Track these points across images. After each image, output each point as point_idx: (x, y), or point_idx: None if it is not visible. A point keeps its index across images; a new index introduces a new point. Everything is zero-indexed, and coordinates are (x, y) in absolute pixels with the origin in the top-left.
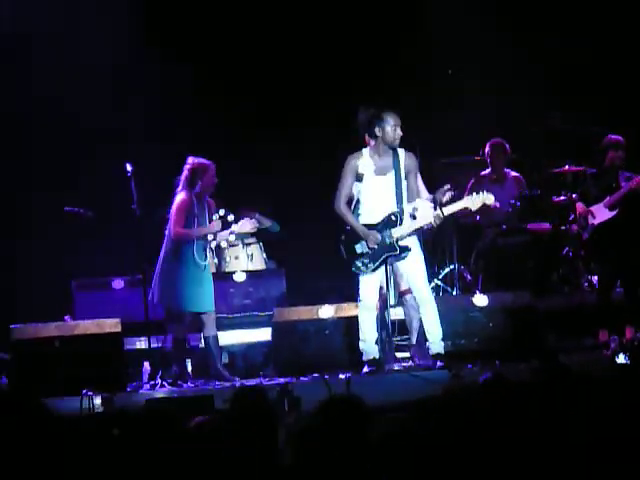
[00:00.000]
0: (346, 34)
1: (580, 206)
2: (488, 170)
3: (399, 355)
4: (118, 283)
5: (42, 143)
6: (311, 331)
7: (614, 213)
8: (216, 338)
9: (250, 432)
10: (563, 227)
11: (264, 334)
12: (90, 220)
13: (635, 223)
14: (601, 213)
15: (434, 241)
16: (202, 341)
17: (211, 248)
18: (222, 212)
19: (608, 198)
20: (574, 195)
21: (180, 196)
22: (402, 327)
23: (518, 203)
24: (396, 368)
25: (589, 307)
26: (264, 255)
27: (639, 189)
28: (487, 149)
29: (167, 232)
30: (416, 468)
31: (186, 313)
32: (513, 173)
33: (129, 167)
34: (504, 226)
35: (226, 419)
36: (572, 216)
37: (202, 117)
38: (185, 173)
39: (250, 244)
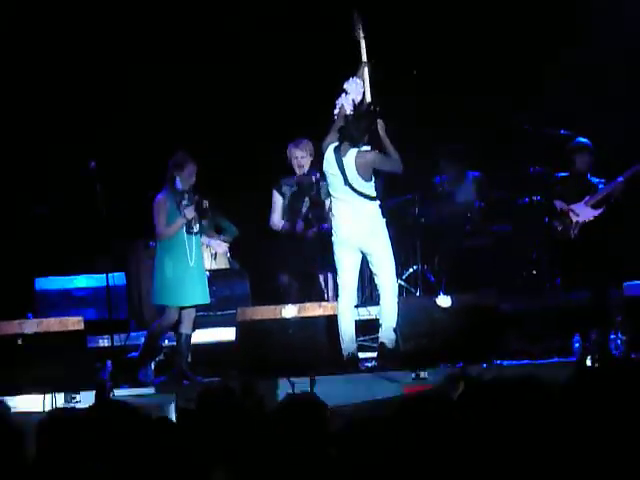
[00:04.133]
0: None
1: (560, 204)
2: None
3: (363, 355)
4: (81, 281)
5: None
6: (275, 331)
7: (600, 211)
8: (189, 337)
9: (216, 431)
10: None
11: (228, 333)
12: (53, 217)
13: (620, 221)
14: (585, 211)
15: (398, 241)
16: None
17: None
18: (196, 198)
19: (588, 197)
20: (536, 197)
21: (158, 196)
22: (366, 327)
23: (482, 204)
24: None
25: (556, 309)
26: (228, 254)
27: (620, 194)
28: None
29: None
30: (378, 469)
31: (165, 307)
32: (473, 173)
33: (93, 164)
34: (467, 227)
35: (192, 417)
36: (547, 218)
37: None
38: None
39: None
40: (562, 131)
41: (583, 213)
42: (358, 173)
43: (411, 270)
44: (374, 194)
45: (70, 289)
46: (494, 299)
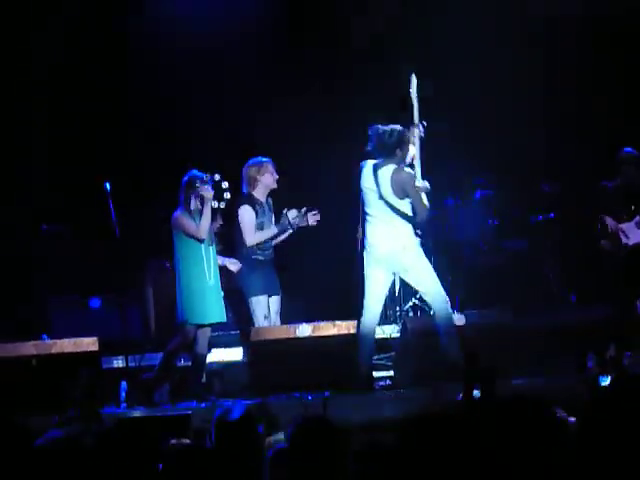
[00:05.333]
0: None
1: (611, 223)
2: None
3: (377, 374)
4: (95, 302)
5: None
6: (288, 350)
7: None
8: (204, 357)
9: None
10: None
11: (237, 354)
12: (67, 238)
13: None
14: (636, 233)
15: None
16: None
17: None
18: (217, 177)
19: (639, 217)
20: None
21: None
22: (380, 346)
23: (496, 222)
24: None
25: (571, 326)
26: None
27: None
28: None
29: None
30: None
31: (181, 324)
32: (485, 192)
33: (108, 186)
34: (482, 245)
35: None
36: (598, 226)
37: None
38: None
39: None
40: None
41: (634, 235)
42: (392, 188)
43: None
44: (408, 213)
45: (85, 310)
46: (509, 317)
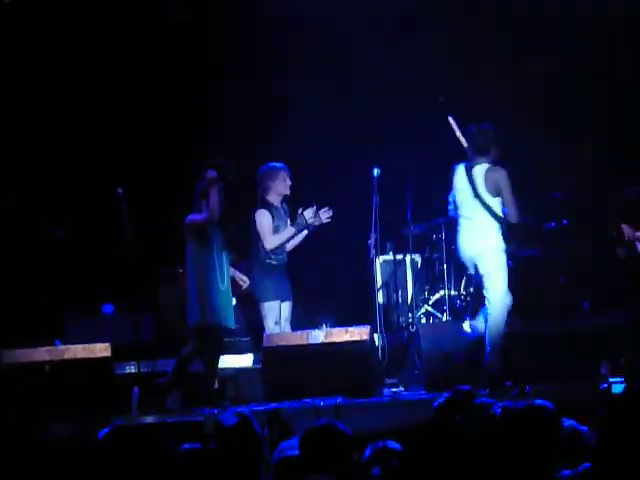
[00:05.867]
0: None
1: (627, 230)
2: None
3: (389, 381)
4: (108, 308)
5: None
6: (300, 356)
7: None
8: (217, 363)
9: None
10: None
11: (249, 360)
12: (80, 244)
13: None
14: None
15: (425, 266)
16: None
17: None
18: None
19: None
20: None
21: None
22: (392, 353)
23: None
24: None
25: (585, 333)
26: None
27: None
28: None
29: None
30: None
31: (193, 328)
32: None
33: (120, 191)
34: None
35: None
36: (613, 234)
37: None
38: None
39: None
40: None
41: None
42: (486, 186)
43: (438, 295)
44: (499, 213)
45: (98, 315)
46: (520, 324)
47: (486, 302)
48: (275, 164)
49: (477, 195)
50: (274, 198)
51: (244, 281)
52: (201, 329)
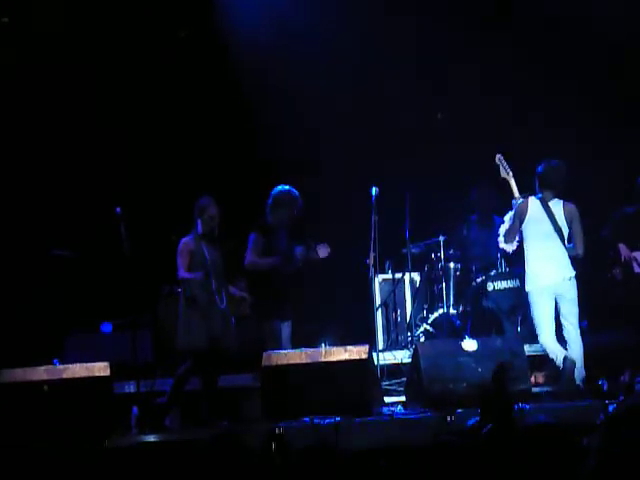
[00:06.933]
0: None
1: (624, 251)
2: (476, 214)
3: (388, 400)
4: (107, 327)
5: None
6: (300, 375)
7: None
8: (214, 382)
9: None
10: None
11: (249, 379)
12: (78, 263)
13: None
14: None
15: (424, 284)
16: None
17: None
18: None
19: None
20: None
21: (183, 240)
22: (391, 371)
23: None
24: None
25: (585, 351)
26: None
27: None
28: (474, 193)
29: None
30: None
31: (191, 350)
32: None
33: (119, 210)
34: (493, 271)
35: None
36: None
37: None
38: None
39: None
40: None
41: None
42: (566, 219)
43: (437, 314)
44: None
45: (96, 334)
46: (520, 342)
47: (572, 328)
48: (282, 189)
49: (557, 228)
50: (276, 221)
51: (245, 298)
52: (189, 351)
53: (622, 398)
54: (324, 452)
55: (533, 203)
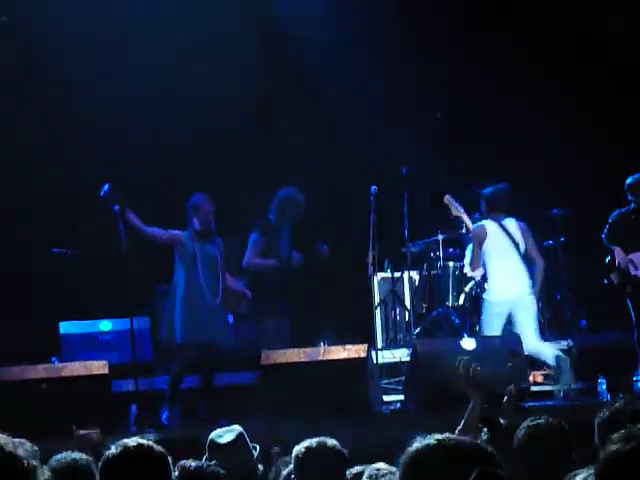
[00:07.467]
0: None
1: (619, 256)
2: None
3: (387, 399)
4: (106, 325)
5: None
6: (299, 374)
7: None
8: (210, 379)
9: None
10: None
11: (248, 377)
12: (77, 261)
13: None
14: None
15: (422, 284)
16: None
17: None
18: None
19: None
20: (561, 239)
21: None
22: (390, 370)
23: None
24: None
25: (582, 351)
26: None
27: None
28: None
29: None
30: None
31: (179, 346)
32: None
33: (117, 208)
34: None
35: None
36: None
37: None
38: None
39: None
40: None
41: None
42: (522, 237)
43: (435, 313)
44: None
45: (94, 333)
46: (518, 341)
47: (532, 332)
48: (287, 190)
49: (515, 244)
50: (280, 221)
51: (245, 294)
52: (186, 347)
53: (621, 398)
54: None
55: (489, 225)
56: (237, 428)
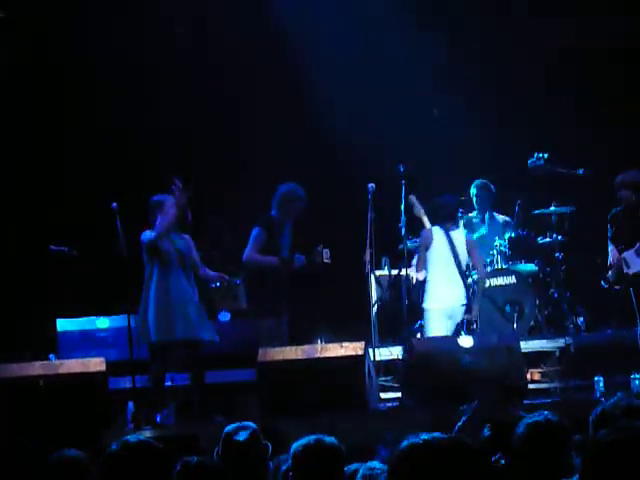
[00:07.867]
0: None
1: (613, 254)
2: (474, 211)
3: (384, 396)
4: (103, 322)
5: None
6: (296, 371)
7: None
8: (202, 376)
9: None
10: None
11: (246, 374)
12: (75, 259)
13: None
14: (636, 262)
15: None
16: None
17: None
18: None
19: (639, 244)
20: (559, 237)
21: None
22: (387, 367)
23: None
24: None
25: (580, 349)
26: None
27: None
28: (472, 190)
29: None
30: None
31: (155, 344)
32: (501, 216)
33: (115, 205)
34: (489, 267)
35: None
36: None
37: None
38: None
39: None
40: (580, 171)
41: (634, 264)
42: (467, 250)
43: None
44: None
45: (92, 330)
46: (516, 339)
47: None
48: (290, 187)
49: (456, 255)
50: (282, 217)
51: (222, 277)
52: (159, 345)
53: (618, 396)
54: (319, 447)
55: (436, 232)
56: (251, 425)
